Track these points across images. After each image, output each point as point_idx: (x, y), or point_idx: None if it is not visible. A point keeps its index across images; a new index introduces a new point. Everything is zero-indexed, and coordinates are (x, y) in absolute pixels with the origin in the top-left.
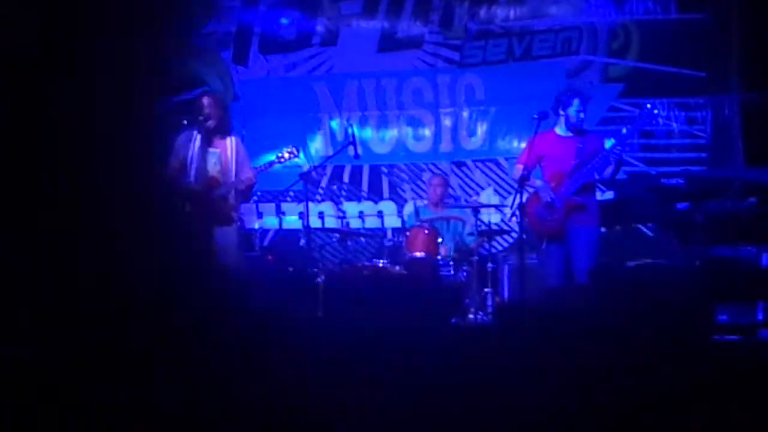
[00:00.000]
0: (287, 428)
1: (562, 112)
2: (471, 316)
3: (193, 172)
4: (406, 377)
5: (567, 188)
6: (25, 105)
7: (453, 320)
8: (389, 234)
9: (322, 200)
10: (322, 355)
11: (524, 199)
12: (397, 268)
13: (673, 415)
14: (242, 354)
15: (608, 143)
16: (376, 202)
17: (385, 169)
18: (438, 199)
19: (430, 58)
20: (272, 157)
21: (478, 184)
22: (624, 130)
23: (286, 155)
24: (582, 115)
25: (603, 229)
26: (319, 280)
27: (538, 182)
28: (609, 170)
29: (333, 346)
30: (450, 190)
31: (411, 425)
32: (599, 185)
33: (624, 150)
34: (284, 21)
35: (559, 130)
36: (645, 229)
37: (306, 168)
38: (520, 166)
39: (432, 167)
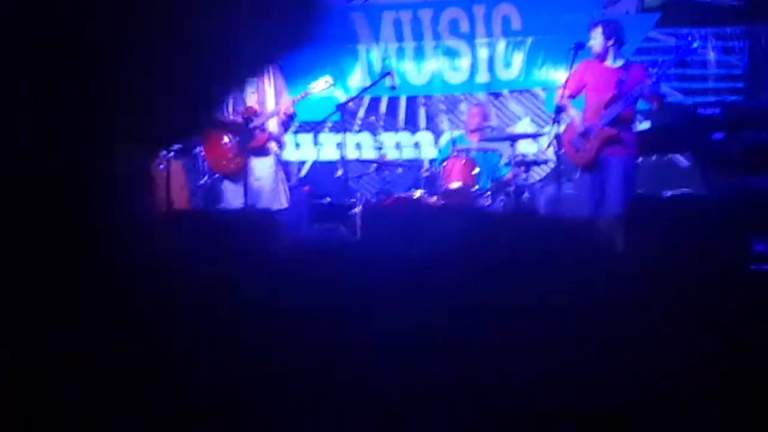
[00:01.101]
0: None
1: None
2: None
3: (230, 103)
4: (440, 309)
5: (602, 118)
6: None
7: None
8: (426, 164)
9: (359, 131)
10: (356, 282)
11: (561, 129)
12: (434, 198)
13: (712, 345)
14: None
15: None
16: (413, 133)
17: (422, 100)
18: (475, 128)
19: None
20: (307, 87)
21: (514, 114)
22: (659, 61)
23: (323, 84)
24: (603, 42)
25: (641, 159)
26: (355, 210)
27: (574, 111)
28: (654, 104)
29: (369, 272)
30: (487, 121)
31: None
32: (635, 115)
33: (658, 81)
34: None
35: (604, 60)
36: (681, 159)
37: (343, 99)
38: (565, 93)
39: (469, 98)
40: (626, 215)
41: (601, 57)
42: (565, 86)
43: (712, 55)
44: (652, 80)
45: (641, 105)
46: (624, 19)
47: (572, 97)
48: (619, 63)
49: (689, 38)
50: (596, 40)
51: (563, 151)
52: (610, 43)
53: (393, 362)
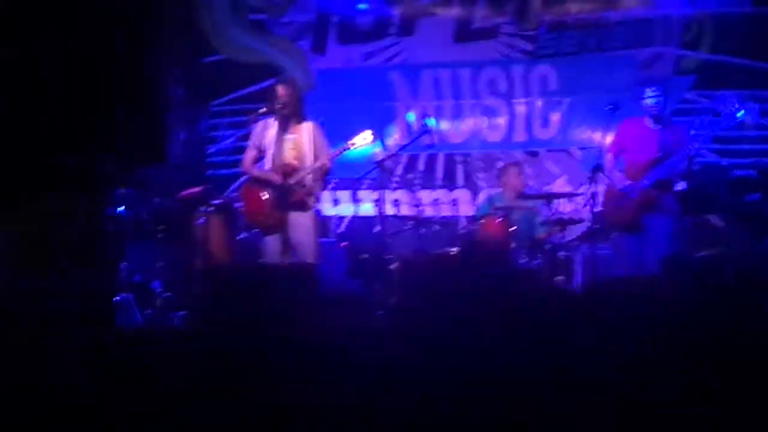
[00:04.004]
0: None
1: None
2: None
3: (270, 159)
4: (478, 365)
5: (645, 180)
6: None
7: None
8: (463, 222)
9: (397, 188)
10: (392, 343)
11: (598, 188)
12: (471, 256)
13: (741, 404)
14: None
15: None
16: (450, 190)
17: (459, 158)
18: (513, 187)
19: (505, 48)
20: (346, 143)
21: (551, 173)
22: (700, 124)
23: (361, 141)
24: (655, 101)
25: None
26: (393, 266)
27: (616, 172)
28: (683, 164)
29: (403, 332)
30: (524, 179)
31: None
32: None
33: (701, 146)
34: (362, 6)
35: (648, 120)
36: (716, 220)
37: (382, 156)
38: (610, 156)
39: (506, 156)
40: (662, 274)
41: (657, 117)
42: (609, 147)
43: (747, 117)
44: (697, 144)
45: None
46: (660, 82)
47: (616, 157)
48: (661, 125)
49: (735, 106)
50: (655, 99)
51: (602, 210)
52: (655, 101)
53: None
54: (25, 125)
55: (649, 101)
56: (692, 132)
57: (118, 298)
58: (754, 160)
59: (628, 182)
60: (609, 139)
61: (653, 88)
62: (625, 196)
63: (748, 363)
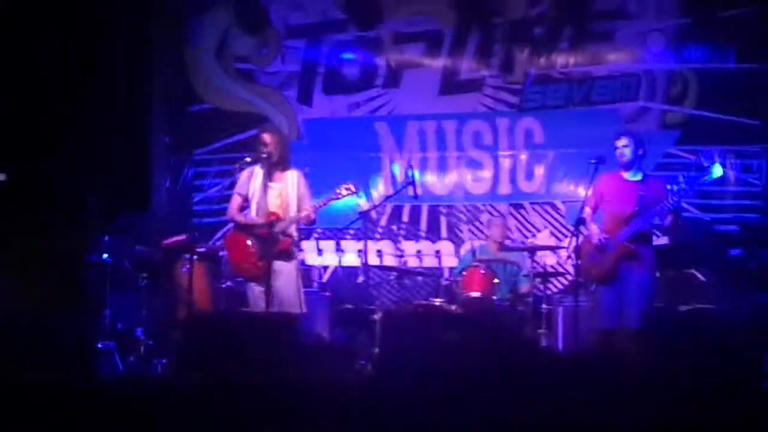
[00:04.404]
0: None
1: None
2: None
3: (254, 207)
4: (464, 416)
5: (622, 233)
6: None
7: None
8: (446, 273)
9: (381, 239)
10: (375, 393)
11: (579, 242)
12: (453, 307)
13: None
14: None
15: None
16: (433, 242)
17: (443, 210)
18: (497, 239)
19: (490, 101)
20: (330, 193)
21: (534, 227)
22: (682, 183)
23: (344, 192)
24: (628, 151)
25: (659, 273)
26: (375, 317)
27: (593, 225)
28: (668, 219)
29: (386, 385)
30: (508, 232)
31: None
32: (654, 230)
33: (680, 200)
34: (348, 56)
35: (624, 173)
36: (698, 275)
37: (366, 207)
38: (588, 210)
39: (490, 209)
40: (643, 328)
41: (627, 167)
42: (586, 201)
43: (731, 173)
44: (675, 198)
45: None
46: (645, 136)
47: (594, 210)
48: (639, 177)
49: (711, 161)
50: (627, 149)
51: (580, 263)
52: (640, 152)
53: None
54: (11, 169)
55: (619, 151)
56: (671, 186)
57: (100, 345)
58: (735, 215)
59: (605, 235)
60: (588, 192)
61: (623, 138)
62: (603, 249)
63: (729, 415)
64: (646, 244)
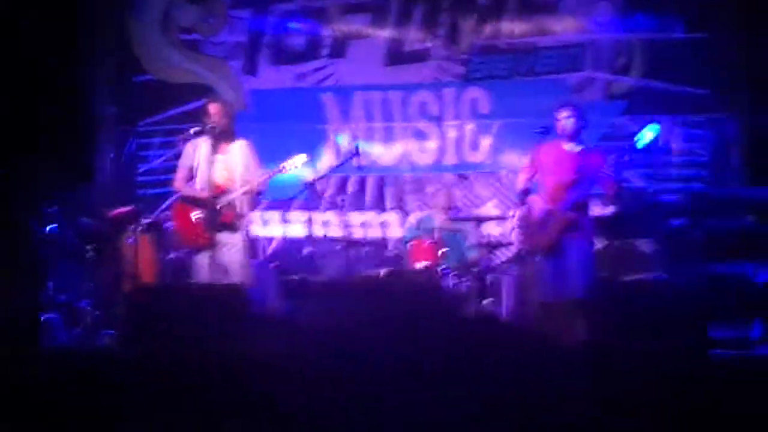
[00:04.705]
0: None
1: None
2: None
3: (200, 179)
4: (409, 387)
5: (563, 203)
6: None
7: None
8: (391, 244)
9: (327, 209)
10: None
11: (522, 212)
12: (400, 277)
13: (669, 429)
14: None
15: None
16: (380, 213)
17: (389, 180)
18: (442, 209)
19: (436, 71)
20: (280, 164)
21: (480, 197)
22: (619, 148)
23: (289, 166)
24: (570, 123)
25: (603, 244)
26: (321, 287)
27: (535, 196)
28: (608, 188)
29: (333, 353)
30: (454, 202)
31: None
32: (600, 200)
33: (618, 168)
34: (294, 26)
35: (564, 143)
36: (642, 245)
37: (311, 178)
38: (523, 176)
39: (436, 179)
40: (587, 299)
41: (570, 138)
42: (524, 169)
43: (675, 143)
44: (612, 167)
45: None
46: (590, 106)
47: (530, 180)
48: (579, 148)
49: (643, 129)
50: (569, 120)
51: (522, 233)
52: (581, 124)
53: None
54: None
55: (561, 123)
56: (610, 156)
57: (43, 317)
58: (681, 185)
59: (547, 206)
60: (524, 161)
61: (566, 110)
62: (545, 220)
63: (675, 384)
64: (585, 213)
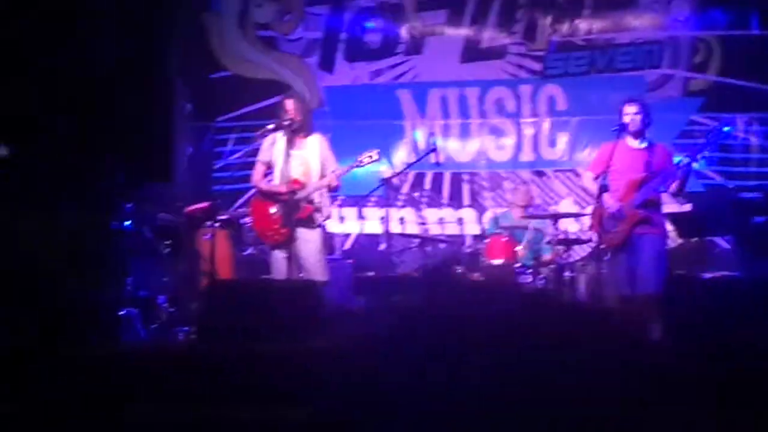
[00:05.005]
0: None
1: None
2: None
3: (278, 174)
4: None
5: (633, 200)
6: None
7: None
8: (468, 241)
9: (403, 206)
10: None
11: (594, 210)
12: (476, 274)
13: (749, 429)
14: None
15: (677, 158)
16: (456, 209)
17: (466, 177)
18: (522, 206)
19: (513, 68)
20: (353, 160)
21: (557, 194)
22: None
23: (366, 159)
24: (638, 119)
25: (680, 241)
26: (398, 283)
27: (606, 194)
28: (675, 186)
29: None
30: (533, 199)
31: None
32: (678, 198)
33: (690, 167)
34: (370, 23)
35: (630, 140)
36: (722, 242)
37: (388, 174)
38: (590, 174)
39: (512, 176)
40: (663, 294)
41: (636, 135)
42: (589, 167)
43: (754, 140)
44: (685, 163)
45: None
46: (668, 103)
47: (597, 177)
48: (645, 144)
49: (720, 124)
50: (638, 116)
51: (596, 231)
52: (647, 121)
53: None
54: (37, 137)
55: (629, 117)
56: (680, 158)
57: (123, 312)
58: (759, 182)
59: (619, 204)
60: (590, 158)
61: (633, 105)
62: (617, 217)
63: (753, 382)
64: (657, 210)
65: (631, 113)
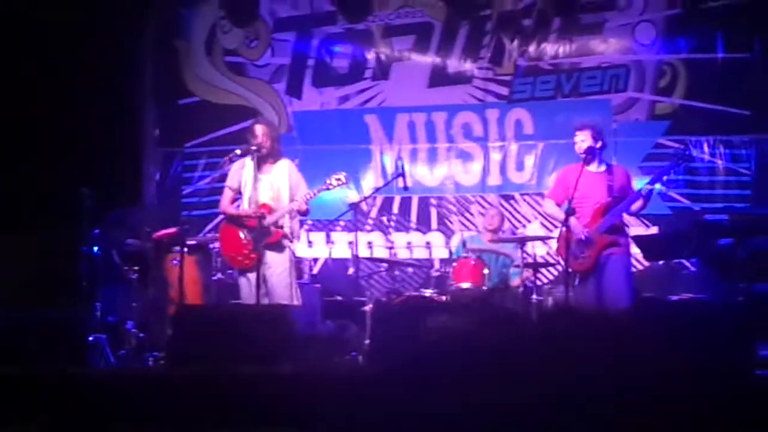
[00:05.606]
0: None
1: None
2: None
3: (246, 200)
4: (454, 405)
5: (600, 226)
6: None
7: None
8: (436, 264)
9: (371, 230)
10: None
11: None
12: (444, 297)
13: None
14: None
15: (640, 183)
16: (424, 233)
17: (434, 201)
18: (491, 230)
19: (480, 92)
20: (321, 185)
21: (525, 217)
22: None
23: (334, 182)
24: (585, 145)
25: (646, 264)
26: (366, 308)
27: (574, 219)
28: (637, 206)
29: (376, 373)
30: (503, 223)
31: None
32: (643, 220)
33: (651, 192)
34: (338, 49)
35: (588, 166)
36: (688, 264)
37: (356, 199)
38: (551, 202)
39: (480, 200)
40: (631, 316)
41: (588, 161)
42: (549, 194)
43: (720, 163)
44: (649, 186)
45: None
46: (634, 126)
47: (559, 204)
48: (603, 168)
49: (686, 146)
50: (584, 143)
51: (563, 256)
52: (599, 145)
53: None
54: (6, 162)
55: (578, 146)
56: (643, 179)
57: (91, 338)
58: (725, 204)
59: (587, 230)
60: (551, 184)
61: (581, 131)
62: (586, 242)
63: (718, 403)
64: (622, 232)
65: (578, 141)
